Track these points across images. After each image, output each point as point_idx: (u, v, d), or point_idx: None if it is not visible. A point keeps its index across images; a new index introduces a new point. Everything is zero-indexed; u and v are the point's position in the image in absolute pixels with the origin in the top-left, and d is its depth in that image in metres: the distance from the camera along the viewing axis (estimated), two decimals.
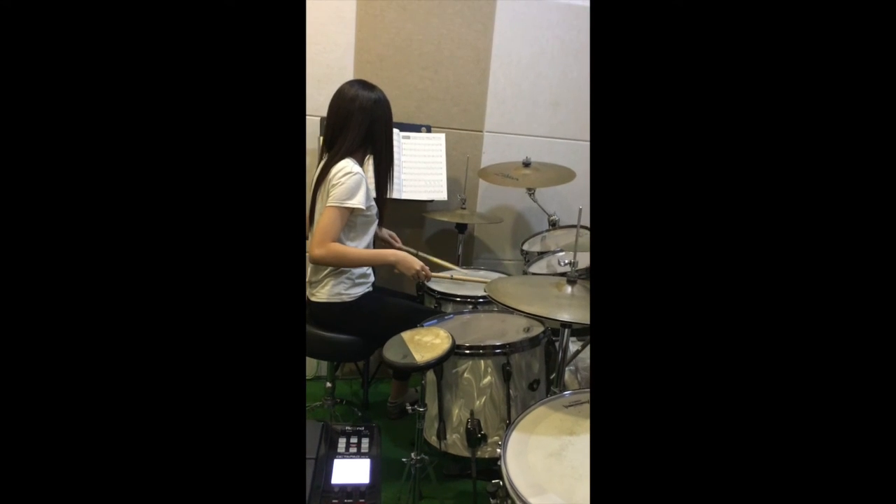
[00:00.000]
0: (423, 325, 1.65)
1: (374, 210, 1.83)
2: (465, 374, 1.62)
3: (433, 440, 1.65)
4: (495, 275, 2.27)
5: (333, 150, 1.76)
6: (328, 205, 1.69)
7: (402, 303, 1.97)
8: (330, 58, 2.30)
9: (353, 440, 1.10)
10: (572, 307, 1.41)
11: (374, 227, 1.86)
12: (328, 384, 2.05)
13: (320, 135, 2.19)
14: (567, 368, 1.90)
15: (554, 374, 1.61)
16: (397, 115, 1.98)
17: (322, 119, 2.13)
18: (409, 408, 1.61)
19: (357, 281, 1.84)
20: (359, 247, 1.80)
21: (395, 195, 2.23)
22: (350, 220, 1.74)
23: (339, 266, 1.78)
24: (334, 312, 1.82)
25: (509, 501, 1.04)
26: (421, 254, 2.32)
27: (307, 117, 2.26)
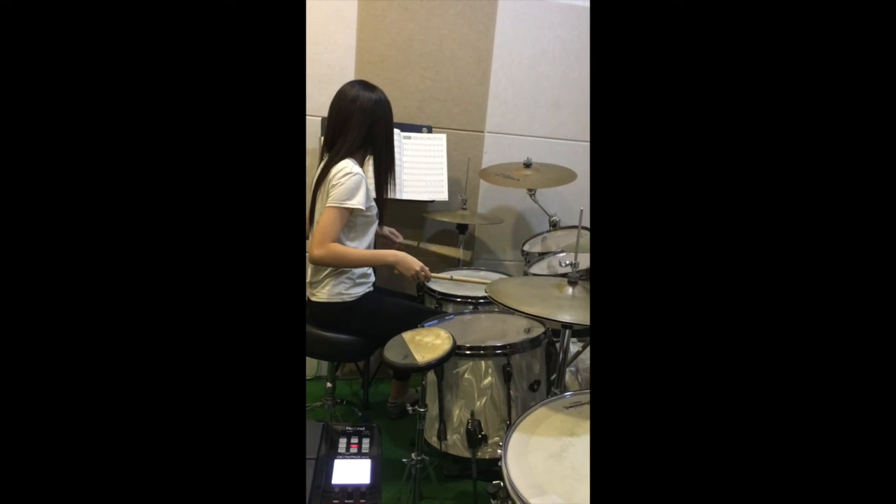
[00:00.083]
0: (423, 326, 1.65)
1: (375, 210, 1.83)
2: (466, 375, 1.62)
3: (434, 441, 1.65)
4: (496, 275, 2.27)
5: (334, 150, 1.76)
6: (328, 205, 1.69)
7: (403, 303, 1.97)
8: (331, 58, 2.30)
9: (354, 440, 1.10)
10: (573, 308, 1.41)
11: (374, 228, 1.86)
12: (328, 384, 2.05)
13: (321, 135, 2.19)
14: (568, 369, 1.90)
15: (555, 375, 1.61)
16: (398, 116, 1.98)
17: (323, 119, 2.13)
18: (409, 408, 1.61)
19: (358, 281, 1.84)
20: (359, 247, 1.79)
21: (396, 195, 2.23)
22: (350, 220, 1.74)
23: (339, 266, 1.78)
24: (335, 312, 1.82)
25: (510, 502, 1.04)
26: (422, 245, 2.32)
27: (308, 117, 2.26)
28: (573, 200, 2.63)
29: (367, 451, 1.08)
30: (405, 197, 2.27)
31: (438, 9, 2.35)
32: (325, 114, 1.85)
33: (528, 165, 2.29)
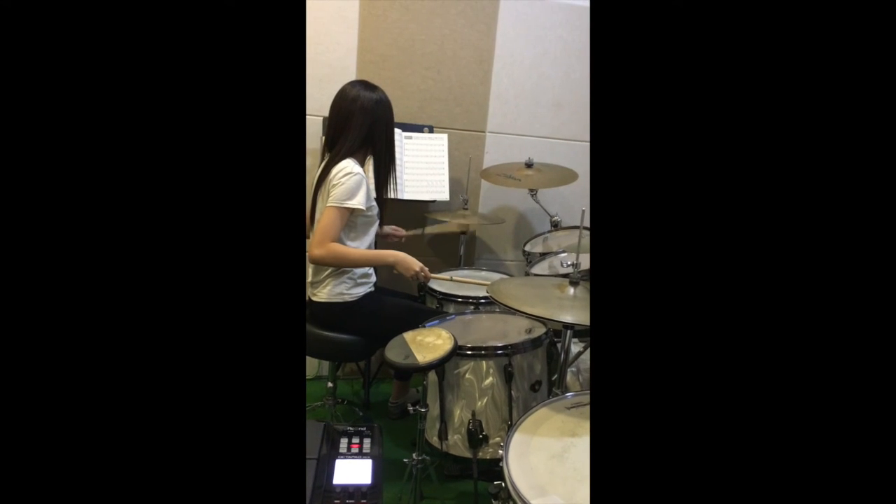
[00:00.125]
0: (424, 326, 1.65)
1: (375, 210, 1.83)
2: (467, 375, 1.61)
3: (435, 441, 1.65)
4: (497, 275, 2.27)
5: (335, 150, 1.76)
6: (328, 205, 1.69)
7: (404, 303, 1.97)
8: (332, 58, 2.30)
9: (355, 440, 1.10)
10: (575, 309, 1.40)
11: (374, 228, 1.86)
12: (329, 384, 2.05)
13: (322, 135, 2.19)
14: (569, 370, 1.89)
15: (556, 376, 1.61)
16: (400, 116, 1.98)
17: (324, 119, 2.13)
18: (410, 408, 1.61)
19: (359, 281, 1.84)
20: (360, 247, 1.79)
21: (397, 195, 2.23)
22: (350, 220, 1.74)
23: (339, 266, 1.77)
24: (336, 312, 1.82)
25: (511, 503, 1.04)
26: (427, 231, 2.31)
27: (310, 117, 2.26)
28: (574, 201, 2.63)
29: (368, 451, 1.08)
30: (406, 197, 2.27)
31: (440, 9, 2.35)
32: (327, 114, 1.85)
33: (529, 165, 2.29)
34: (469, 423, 1.57)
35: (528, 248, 2.32)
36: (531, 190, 2.35)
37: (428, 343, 1.43)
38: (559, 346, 1.61)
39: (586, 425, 1.24)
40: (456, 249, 2.49)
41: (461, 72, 2.44)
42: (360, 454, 1.06)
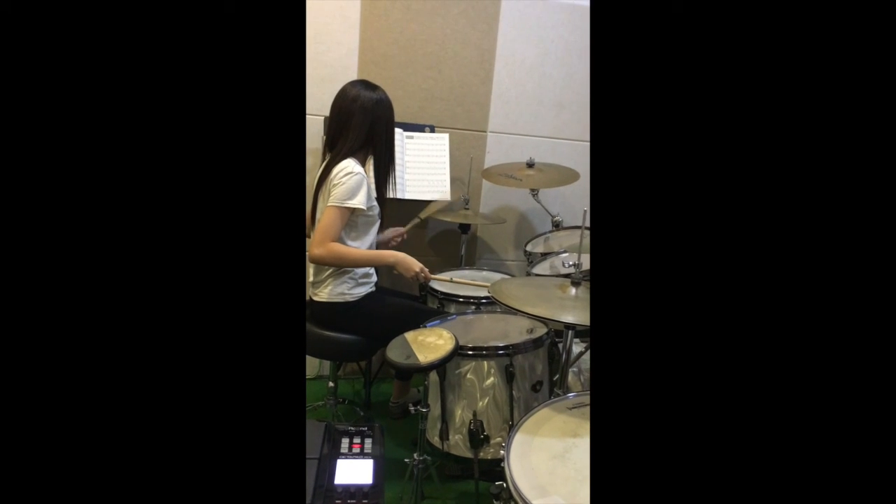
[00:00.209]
0: (426, 326, 1.65)
1: (376, 210, 1.83)
2: (468, 375, 1.61)
3: (436, 441, 1.65)
4: (498, 276, 2.27)
5: (335, 150, 1.76)
6: (329, 204, 1.69)
7: (405, 303, 1.96)
8: (334, 57, 2.30)
9: (357, 440, 1.10)
10: (576, 309, 1.40)
11: (376, 228, 1.86)
12: (331, 384, 2.05)
13: (324, 134, 2.19)
14: (570, 370, 1.89)
15: (557, 376, 1.61)
16: (401, 115, 1.98)
17: (326, 119, 2.13)
18: (411, 408, 1.61)
19: (360, 281, 1.84)
20: (361, 247, 1.79)
21: (399, 195, 2.23)
22: (351, 220, 1.74)
23: (339, 266, 1.77)
24: (337, 312, 1.82)
25: (512, 503, 1.03)
26: (422, 216, 2.31)
27: (311, 117, 2.26)
28: (576, 201, 2.63)
29: (369, 451, 1.07)
30: (408, 196, 2.27)
31: (441, 8, 2.35)
32: (328, 113, 1.85)
33: (530, 165, 2.29)
34: (470, 423, 1.57)
35: (529, 248, 2.32)
36: (532, 190, 2.35)
37: (429, 343, 1.43)
38: (560, 346, 1.61)
39: (588, 426, 1.24)
40: (457, 249, 2.49)
41: (462, 71, 2.44)
42: (362, 454, 1.06)
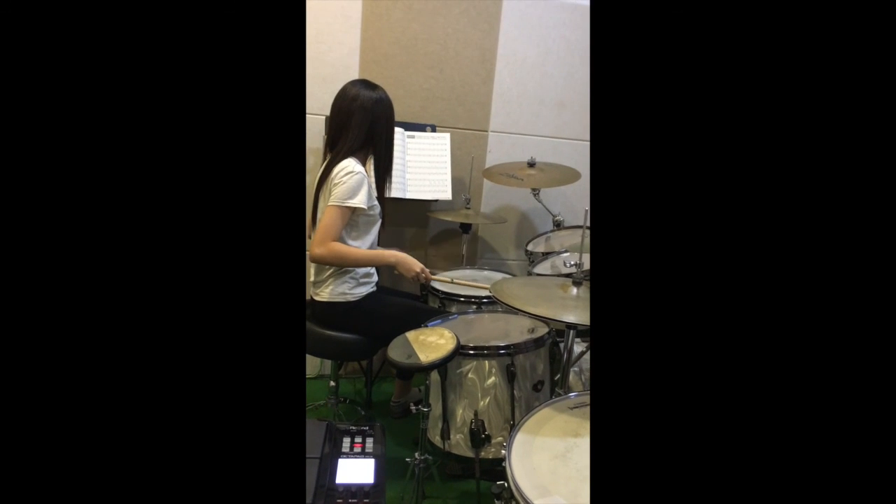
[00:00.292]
0: (427, 325, 1.65)
1: (377, 210, 1.83)
2: (470, 375, 1.61)
3: (437, 440, 1.65)
4: (499, 275, 2.27)
5: (336, 149, 1.76)
6: (329, 204, 1.69)
7: (406, 302, 1.97)
8: (335, 57, 2.30)
9: (358, 440, 1.10)
10: (578, 309, 1.40)
11: (377, 227, 1.86)
12: (332, 383, 2.05)
13: (325, 134, 2.19)
14: (572, 370, 1.89)
15: (558, 376, 1.61)
16: (402, 115, 1.98)
17: (327, 118, 2.13)
18: (412, 407, 1.61)
19: (361, 280, 1.84)
20: (362, 247, 1.79)
21: (400, 194, 2.23)
22: (352, 219, 1.74)
23: (339, 265, 1.77)
24: (338, 312, 1.82)
25: (514, 503, 1.04)
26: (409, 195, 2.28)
27: (312, 116, 2.26)
28: (577, 200, 2.63)
29: (370, 450, 1.07)
30: (409, 196, 2.27)
31: (443, 8, 2.35)
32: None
33: (531, 165, 2.29)
34: (471, 422, 1.57)
35: (530, 247, 2.32)
36: (534, 189, 2.35)
37: (430, 342, 1.43)
38: (562, 346, 1.61)
39: (589, 425, 1.24)
40: (458, 249, 2.49)
41: (464, 71, 2.44)
42: (363, 453, 1.06)
